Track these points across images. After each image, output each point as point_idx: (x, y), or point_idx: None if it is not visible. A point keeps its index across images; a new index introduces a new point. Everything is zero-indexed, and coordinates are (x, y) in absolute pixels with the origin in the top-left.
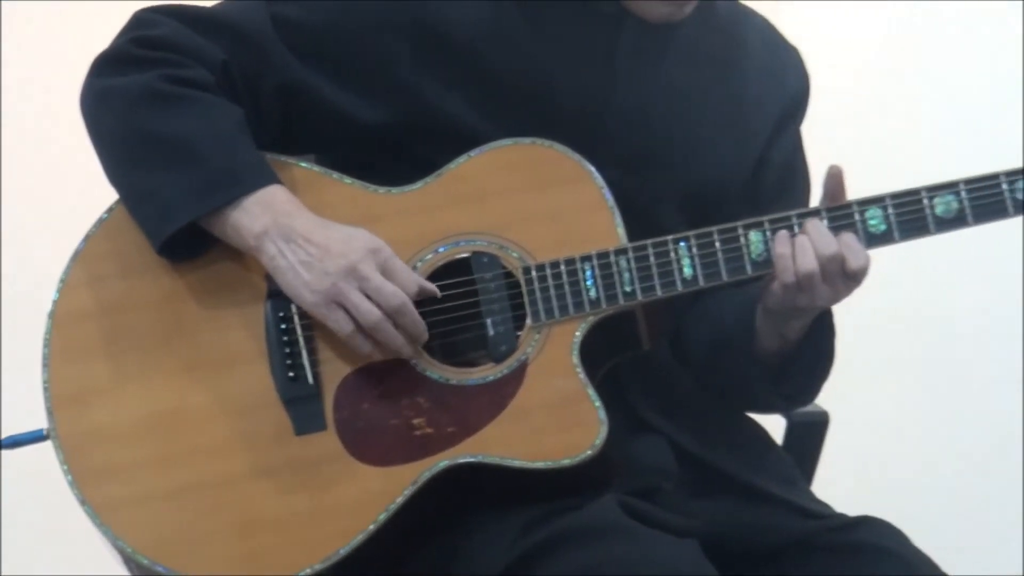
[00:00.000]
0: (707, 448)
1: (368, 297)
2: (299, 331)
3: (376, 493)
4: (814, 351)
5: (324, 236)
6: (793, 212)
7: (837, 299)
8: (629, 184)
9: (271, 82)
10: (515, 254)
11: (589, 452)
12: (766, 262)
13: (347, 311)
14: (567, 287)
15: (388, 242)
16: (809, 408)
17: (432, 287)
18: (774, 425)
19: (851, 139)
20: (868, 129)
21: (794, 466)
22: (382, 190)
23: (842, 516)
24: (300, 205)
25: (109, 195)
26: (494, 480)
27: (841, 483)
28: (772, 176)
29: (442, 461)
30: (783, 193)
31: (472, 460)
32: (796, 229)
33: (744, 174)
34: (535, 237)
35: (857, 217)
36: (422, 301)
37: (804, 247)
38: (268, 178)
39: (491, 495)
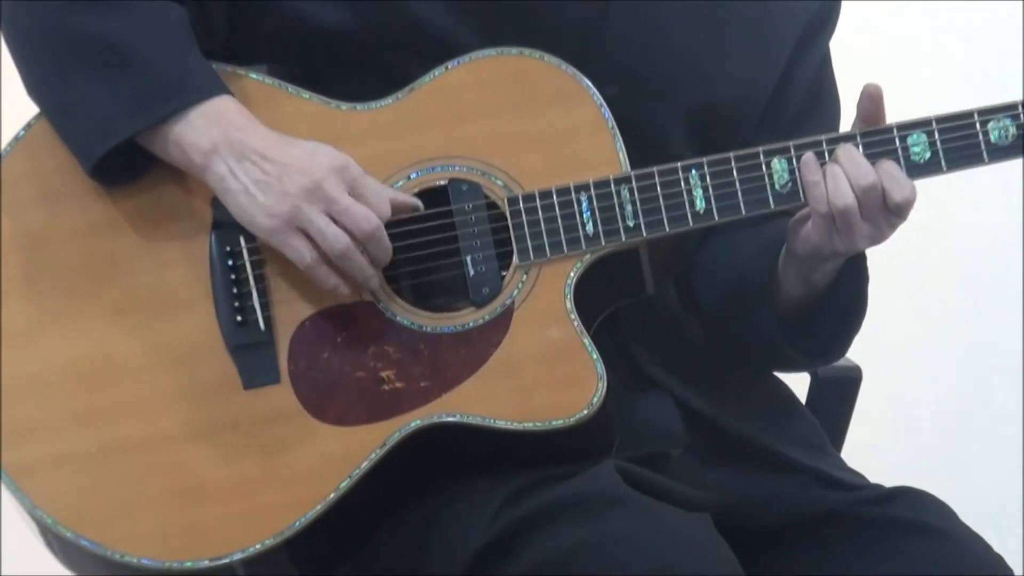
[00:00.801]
0: (720, 408)
1: (335, 221)
2: (248, 268)
3: (337, 457)
4: (844, 299)
5: (283, 152)
6: (823, 136)
7: (879, 238)
8: (631, 103)
9: None
10: (499, 182)
11: (585, 412)
12: (791, 194)
13: (309, 238)
14: (560, 221)
15: None
16: (838, 363)
17: (414, 200)
18: (797, 381)
19: None
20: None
21: (821, 429)
22: (345, 106)
23: (877, 487)
24: (254, 119)
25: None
26: (474, 443)
27: (876, 448)
28: (796, 97)
29: (414, 420)
30: (809, 116)
31: (449, 420)
32: (826, 157)
33: (764, 94)
34: (523, 162)
35: (898, 143)
36: (392, 230)
37: (837, 176)
38: (217, 88)
39: (470, 461)
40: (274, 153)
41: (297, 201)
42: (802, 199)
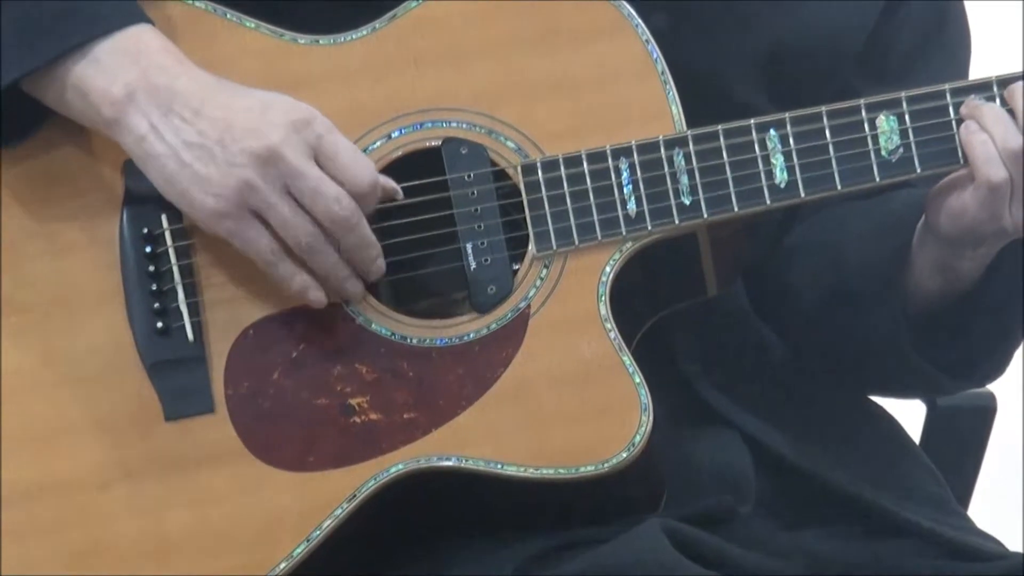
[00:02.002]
0: (805, 449)
1: (297, 201)
2: (172, 256)
3: (291, 513)
4: (1001, 296)
5: (225, 104)
6: (946, 85)
7: None
8: (687, 39)
9: None
10: (511, 143)
11: (624, 455)
12: (903, 162)
13: (265, 222)
14: (592, 196)
15: None
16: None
17: (391, 184)
18: (908, 414)
19: None
20: None
21: (941, 478)
22: (304, 40)
23: (1016, 555)
24: (184, 58)
25: None
26: (476, 496)
27: (1015, 503)
28: (906, 32)
29: (395, 464)
30: (926, 58)
31: (443, 464)
32: (951, 111)
33: (862, 28)
34: (542, 117)
35: None
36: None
37: (1006, 129)
38: (134, 15)
39: (471, 519)
40: (213, 105)
41: (248, 174)
42: (916, 167)
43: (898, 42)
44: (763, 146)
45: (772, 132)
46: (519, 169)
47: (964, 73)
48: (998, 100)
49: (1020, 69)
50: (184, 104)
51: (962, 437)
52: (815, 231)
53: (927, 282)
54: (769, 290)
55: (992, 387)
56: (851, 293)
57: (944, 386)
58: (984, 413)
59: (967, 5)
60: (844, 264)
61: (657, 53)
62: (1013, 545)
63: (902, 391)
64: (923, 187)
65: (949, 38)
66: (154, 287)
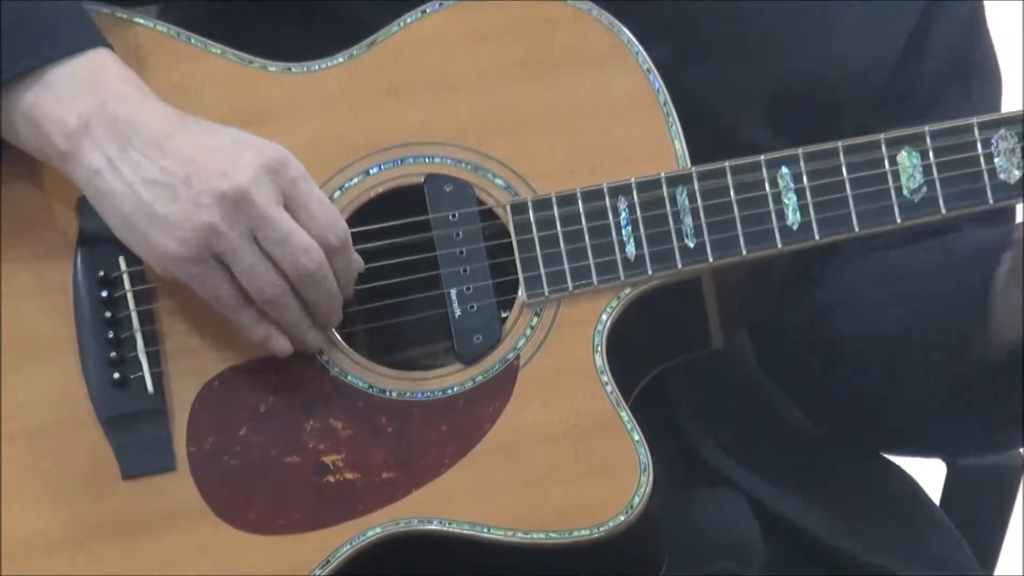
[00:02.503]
0: (816, 514)
1: (263, 249)
2: (131, 302)
3: None
4: None
5: (189, 140)
6: (974, 119)
7: None
8: (692, 71)
9: None
10: (499, 181)
11: (621, 519)
12: (927, 202)
13: (228, 269)
14: (588, 238)
15: None
16: None
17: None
18: (926, 473)
19: None
20: None
21: (963, 543)
22: (274, 67)
23: None
24: (144, 87)
25: None
26: (460, 562)
27: None
28: (932, 67)
29: (373, 528)
30: (953, 94)
31: (424, 528)
32: (996, 144)
33: (884, 64)
34: (534, 152)
35: None
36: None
37: None
38: (91, 38)
39: None
40: (178, 141)
41: (213, 216)
42: (941, 207)
43: (923, 78)
44: (774, 184)
45: (784, 169)
46: (508, 208)
47: (996, 107)
48: None
49: (1021, 69)
50: (145, 138)
51: (986, 498)
52: (865, 280)
53: (1008, 332)
54: (774, 345)
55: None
56: (907, 350)
57: (985, 445)
58: (1010, 472)
59: None
60: (904, 316)
61: (659, 83)
62: None
63: (925, 446)
64: (997, 224)
65: (979, 70)
66: (111, 335)
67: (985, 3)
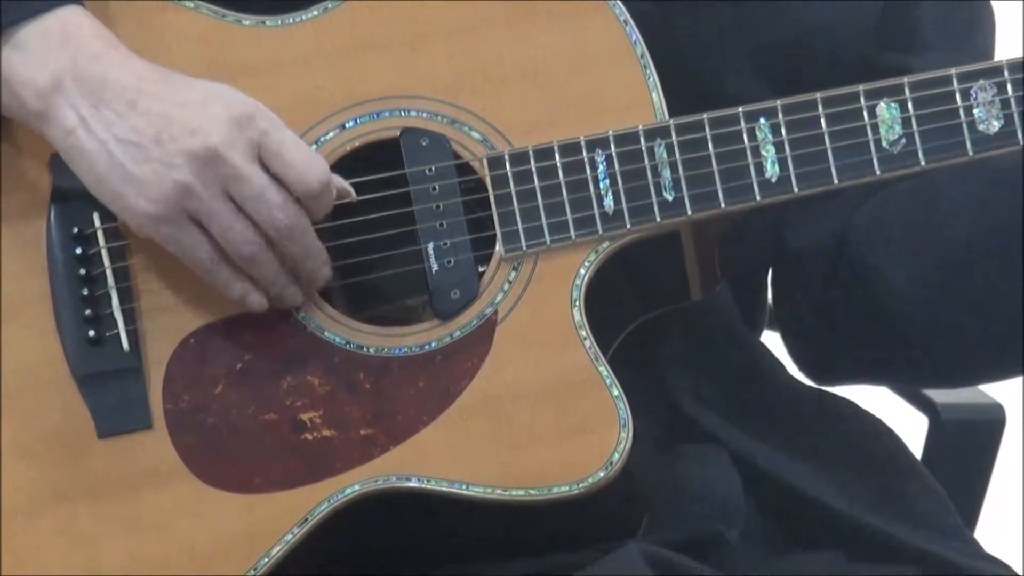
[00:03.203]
0: (800, 470)
1: (239, 206)
2: (105, 259)
3: (236, 539)
4: None
5: (162, 96)
6: (952, 70)
7: None
8: (675, 22)
9: None
10: (476, 134)
11: (600, 475)
12: (905, 155)
13: (203, 228)
14: (565, 192)
15: None
16: (968, 399)
17: (343, 184)
18: (907, 428)
19: None
20: None
21: (945, 499)
22: (248, 20)
23: None
24: (117, 43)
25: None
26: (440, 520)
27: (1017, 521)
28: (923, 11)
29: (351, 485)
30: (945, 37)
31: (401, 485)
32: (975, 95)
33: (868, 12)
34: (511, 105)
35: None
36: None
37: None
38: None
39: (434, 545)
40: (149, 98)
41: (186, 176)
42: (921, 159)
43: (909, 23)
44: (752, 137)
45: (762, 121)
46: (485, 162)
47: (990, 54)
48: (1009, 85)
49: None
50: (117, 96)
51: (968, 453)
52: (899, 210)
53: None
54: (830, 284)
55: (1001, 398)
56: (973, 265)
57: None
58: (992, 426)
59: None
60: (962, 239)
61: (636, 35)
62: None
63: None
64: None
65: (972, 24)
66: (85, 292)
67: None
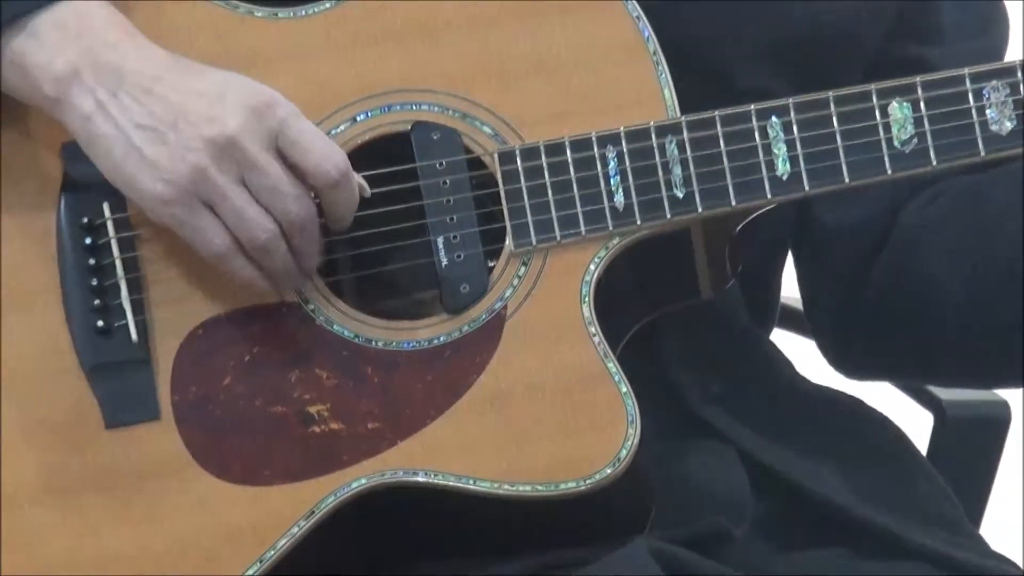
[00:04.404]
0: (807, 467)
1: (253, 195)
2: (115, 249)
3: (244, 531)
4: None
5: (179, 85)
6: (966, 70)
7: None
8: (687, 14)
9: None
10: (487, 128)
11: (608, 471)
12: (917, 154)
13: (218, 215)
14: (576, 188)
15: None
16: (974, 396)
17: (360, 180)
18: (913, 425)
19: None
20: None
21: (952, 496)
22: (261, 12)
23: None
24: (135, 31)
25: None
26: (447, 515)
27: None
28: (943, 3)
29: (358, 479)
30: (963, 30)
31: (409, 479)
32: (987, 95)
33: (885, 6)
34: (522, 100)
35: None
36: None
37: None
38: None
39: (442, 539)
40: (166, 86)
41: (203, 161)
42: (932, 159)
43: (923, 22)
44: (764, 134)
45: (774, 119)
46: (496, 157)
47: (1000, 56)
48: (1023, 86)
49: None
50: (134, 83)
51: (973, 450)
52: (948, 214)
53: None
54: (882, 295)
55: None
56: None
57: None
58: (997, 424)
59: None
60: (992, 243)
61: (649, 31)
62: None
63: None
64: None
65: (988, 22)
66: (94, 282)
67: None
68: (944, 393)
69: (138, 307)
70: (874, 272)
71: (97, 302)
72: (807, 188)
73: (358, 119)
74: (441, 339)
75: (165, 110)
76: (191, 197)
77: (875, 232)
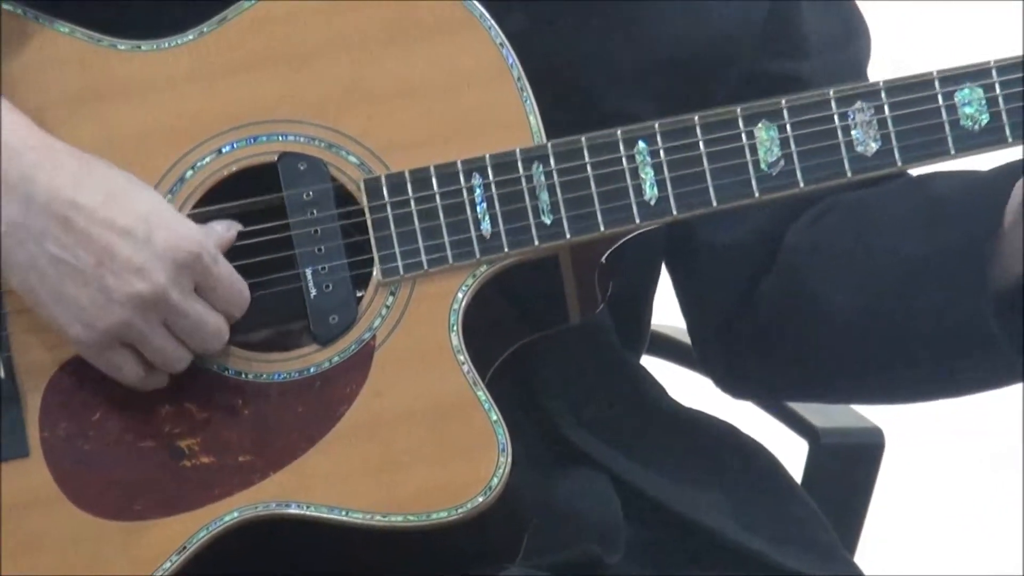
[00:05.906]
0: (680, 492)
1: (172, 332)
2: None
3: (113, 567)
4: None
5: (99, 216)
6: (830, 90)
7: None
8: (551, 40)
9: None
10: (353, 158)
11: (479, 499)
12: (783, 175)
13: (136, 350)
14: (442, 216)
15: (135, 135)
16: (848, 423)
17: (231, 236)
18: (787, 451)
19: None
20: None
21: (825, 522)
22: (124, 45)
23: None
24: (38, 132)
25: None
26: (320, 546)
27: (902, 543)
28: (804, 17)
29: (230, 512)
30: (827, 42)
31: (281, 511)
32: (852, 117)
33: (754, 25)
34: (388, 128)
35: (941, 101)
36: None
37: None
38: None
39: (317, 569)
40: (86, 218)
41: (129, 315)
42: (799, 180)
43: (802, 32)
44: (631, 159)
45: (641, 144)
46: (362, 186)
47: (862, 74)
48: (998, 85)
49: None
50: (49, 204)
51: (848, 477)
52: (835, 232)
53: (1012, 266)
54: (773, 314)
55: (880, 422)
56: (900, 299)
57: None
58: (872, 450)
59: (968, 5)
60: (889, 271)
61: (513, 58)
62: None
63: (969, 385)
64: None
65: (850, 37)
66: None
67: (985, 3)
68: (819, 420)
69: (3, 343)
70: (761, 290)
71: None
72: (675, 212)
73: (223, 151)
74: (311, 370)
75: (88, 251)
76: (112, 341)
77: (760, 250)
